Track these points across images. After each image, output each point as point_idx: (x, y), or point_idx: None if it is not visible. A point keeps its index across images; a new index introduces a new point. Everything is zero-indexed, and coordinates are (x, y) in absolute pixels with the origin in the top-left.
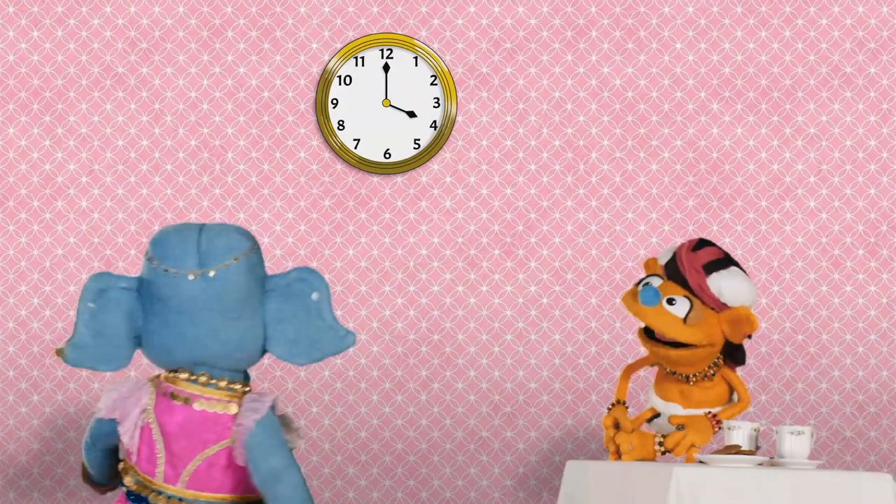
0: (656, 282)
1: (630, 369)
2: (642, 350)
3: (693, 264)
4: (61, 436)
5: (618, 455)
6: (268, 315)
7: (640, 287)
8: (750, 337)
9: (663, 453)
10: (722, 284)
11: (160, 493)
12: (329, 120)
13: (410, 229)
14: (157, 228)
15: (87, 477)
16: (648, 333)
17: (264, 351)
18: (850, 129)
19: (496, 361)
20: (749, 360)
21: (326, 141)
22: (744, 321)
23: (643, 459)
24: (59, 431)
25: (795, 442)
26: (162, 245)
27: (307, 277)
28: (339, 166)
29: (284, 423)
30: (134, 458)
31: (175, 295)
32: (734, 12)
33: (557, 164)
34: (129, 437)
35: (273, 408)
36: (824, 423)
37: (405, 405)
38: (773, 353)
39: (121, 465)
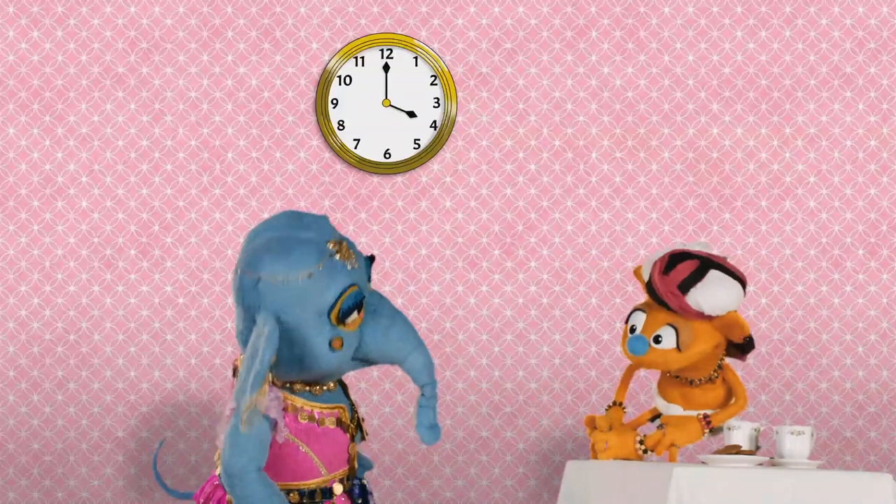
0: (640, 318)
1: (632, 368)
2: None
3: (668, 288)
4: (61, 436)
5: (595, 453)
6: None
7: (628, 339)
8: (744, 341)
9: (644, 452)
10: (700, 301)
11: None
12: (329, 120)
13: (410, 229)
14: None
15: None
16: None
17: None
18: (850, 129)
19: (496, 361)
20: (749, 360)
21: (326, 141)
22: (735, 327)
23: (625, 458)
24: (60, 431)
25: (795, 442)
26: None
27: None
28: (339, 166)
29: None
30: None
31: None
32: (734, 12)
33: (557, 164)
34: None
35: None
36: (824, 423)
37: (405, 405)
38: (773, 353)
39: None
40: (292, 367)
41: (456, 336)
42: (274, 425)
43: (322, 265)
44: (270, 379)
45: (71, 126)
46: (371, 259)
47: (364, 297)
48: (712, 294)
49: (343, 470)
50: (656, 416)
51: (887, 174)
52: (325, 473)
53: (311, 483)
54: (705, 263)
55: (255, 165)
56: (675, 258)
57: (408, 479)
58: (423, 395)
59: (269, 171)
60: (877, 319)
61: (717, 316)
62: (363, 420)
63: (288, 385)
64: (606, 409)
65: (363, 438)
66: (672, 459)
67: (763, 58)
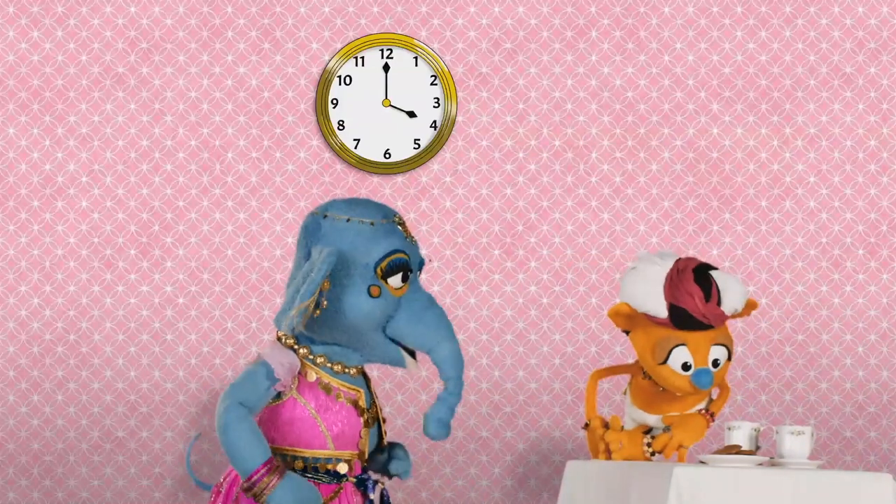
0: (685, 353)
1: (598, 377)
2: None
3: (715, 314)
4: (61, 436)
5: (607, 454)
6: None
7: (692, 375)
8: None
9: (652, 454)
10: (732, 305)
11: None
12: (329, 120)
13: (410, 229)
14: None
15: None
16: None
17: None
18: (850, 129)
19: (496, 361)
20: (749, 359)
21: (326, 141)
22: (748, 309)
23: (633, 459)
24: (59, 431)
25: (795, 442)
26: None
27: None
28: (339, 166)
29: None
30: None
31: None
32: (734, 12)
33: (557, 164)
34: None
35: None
36: (824, 423)
37: (405, 405)
38: (773, 353)
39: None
40: (328, 315)
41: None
42: (274, 391)
43: (385, 221)
44: (293, 345)
45: (71, 126)
46: (421, 262)
47: (411, 268)
48: (736, 291)
49: (352, 452)
50: (647, 431)
51: (887, 174)
52: (331, 447)
53: (318, 453)
54: (707, 267)
55: (255, 165)
56: (699, 278)
57: (408, 479)
58: (445, 389)
59: (269, 171)
60: (877, 319)
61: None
62: (384, 420)
63: (311, 357)
64: (584, 427)
65: (380, 440)
66: (681, 460)
67: (763, 58)
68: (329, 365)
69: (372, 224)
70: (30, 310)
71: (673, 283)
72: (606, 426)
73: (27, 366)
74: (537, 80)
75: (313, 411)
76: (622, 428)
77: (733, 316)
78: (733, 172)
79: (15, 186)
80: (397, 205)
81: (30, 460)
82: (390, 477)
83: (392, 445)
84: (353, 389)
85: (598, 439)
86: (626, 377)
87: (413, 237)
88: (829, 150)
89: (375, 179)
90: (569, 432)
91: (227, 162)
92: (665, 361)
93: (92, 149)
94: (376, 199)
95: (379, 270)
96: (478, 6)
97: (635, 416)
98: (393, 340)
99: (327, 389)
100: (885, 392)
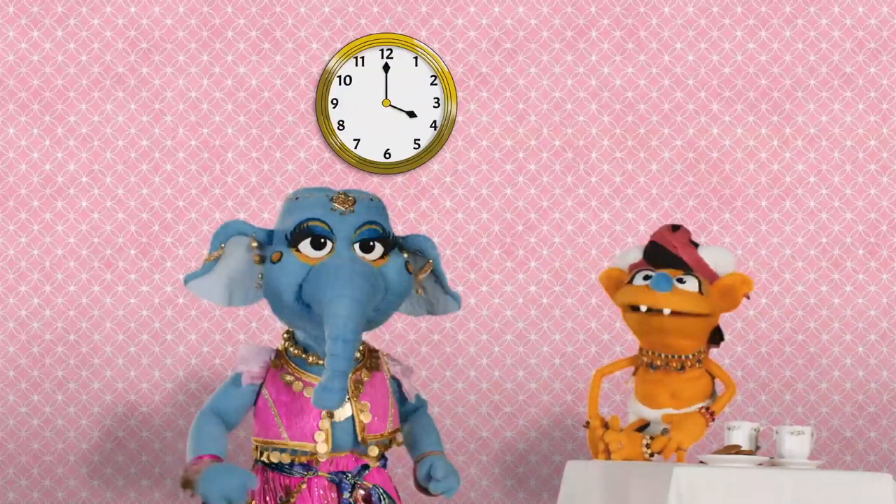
0: (647, 271)
1: (602, 374)
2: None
3: (682, 242)
4: (62, 435)
5: (607, 454)
6: None
7: (651, 278)
8: (748, 297)
9: (651, 455)
10: (712, 255)
11: None
12: (329, 120)
13: (411, 229)
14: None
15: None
16: (634, 308)
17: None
18: (850, 129)
19: (496, 361)
20: (749, 359)
21: (326, 141)
22: (739, 284)
23: (632, 460)
24: (61, 431)
25: (795, 442)
26: None
27: None
28: (339, 166)
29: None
30: None
31: None
32: (734, 12)
33: (557, 164)
34: None
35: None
36: (824, 423)
37: None
38: (773, 353)
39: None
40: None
41: (456, 336)
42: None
43: (314, 196)
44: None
45: (71, 126)
46: (369, 233)
47: (324, 234)
48: (720, 252)
49: (311, 445)
50: (644, 426)
51: (887, 174)
52: (285, 437)
53: (276, 443)
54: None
55: (255, 165)
56: (674, 226)
57: (408, 479)
58: (328, 351)
59: (269, 171)
60: (877, 319)
61: (720, 278)
62: (364, 423)
63: (290, 350)
64: (584, 426)
65: (360, 438)
66: (680, 461)
67: (763, 58)
68: (304, 356)
69: (297, 199)
70: (30, 310)
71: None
72: (606, 426)
73: (27, 366)
74: (537, 80)
75: (271, 402)
76: (621, 429)
77: (724, 292)
78: (733, 172)
79: (15, 186)
80: (397, 205)
81: (30, 460)
82: (431, 494)
83: (434, 460)
84: (317, 381)
85: (598, 440)
86: (626, 377)
87: (350, 209)
88: (829, 150)
89: (375, 179)
90: (569, 432)
91: (227, 162)
92: (630, 283)
93: (92, 149)
94: None
95: (288, 238)
96: (478, 6)
97: (636, 409)
98: (306, 304)
99: (289, 381)
100: (885, 392)
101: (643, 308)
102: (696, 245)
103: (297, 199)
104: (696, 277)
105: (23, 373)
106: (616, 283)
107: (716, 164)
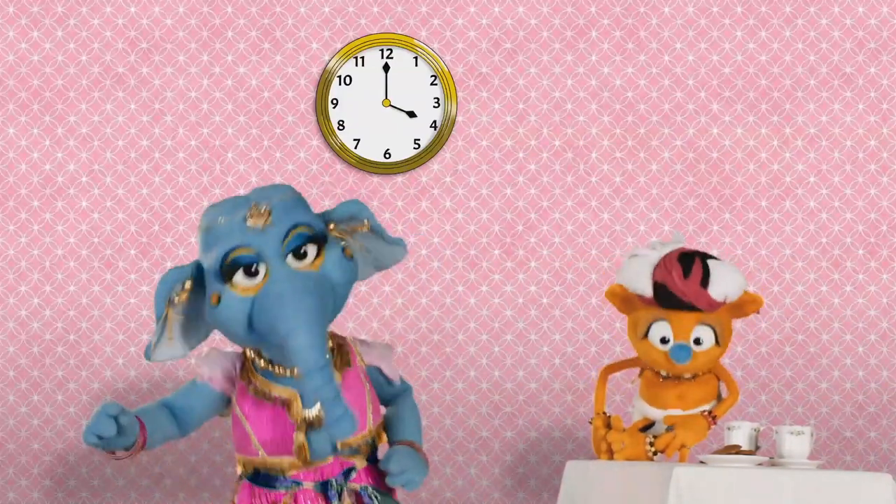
0: (664, 327)
1: (608, 371)
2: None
3: (695, 289)
4: (61, 436)
5: (609, 454)
6: None
7: (669, 349)
8: (758, 312)
9: (654, 454)
10: (723, 291)
11: None
12: (329, 120)
13: (410, 229)
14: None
15: None
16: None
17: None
18: (850, 129)
19: (496, 361)
20: (749, 359)
21: (326, 141)
22: (749, 304)
23: (635, 459)
24: (60, 431)
25: (795, 442)
26: None
27: None
28: (339, 166)
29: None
30: None
31: None
32: (734, 12)
33: (557, 164)
34: None
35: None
36: (824, 423)
37: None
38: (773, 353)
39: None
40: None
41: (456, 336)
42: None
43: (224, 221)
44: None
45: (71, 126)
46: (296, 242)
47: (252, 261)
48: (730, 279)
49: (290, 459)
50: (649, 425)
51: (887, 174)
52: (262, 454)
53: (255, 461)
54: (704, 255)
55: (255, 165)
56: (685, 258)
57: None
58: (309, 388)
59: (269, 171)
60: (877, 319)
61: (733, 300)
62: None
63: (256, 361)
64: (590, 422)
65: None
66: (682, 460)
67: (763, 58)
68: (270, 368)
69: (209, 229)
70: (30, 310)
71: (659, 263)
72: (609, 426)
73: (27, 366)
74: (537, 80)
75: (243, 418)
76: (624, 428)
77: (733, 309)
78: (733, 172)
79: (15, 186)
80: (397, 205)
81: (30, 460)
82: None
83: (394, 451)
84: (288, 392)
85: (601, 440)
86: (628, 376)
87: (268, 221)
88: (829, 150)
89: (375, 179)
90: (569, 432)
91: (227, 162)
92: (646, 336)
93: (92, 149)
94: (376, 199)
95: (219, 275)
96: (478, 6)
97: (642, 408)
98: (259, 334)
99: (258, 393)
100: (885, 392)
101: (663, 373)
102: (707, 273)
103: (208, 229)
104: (712, 327)
105: (23, 373)
106: (623, 301)
107: (716, 165)
